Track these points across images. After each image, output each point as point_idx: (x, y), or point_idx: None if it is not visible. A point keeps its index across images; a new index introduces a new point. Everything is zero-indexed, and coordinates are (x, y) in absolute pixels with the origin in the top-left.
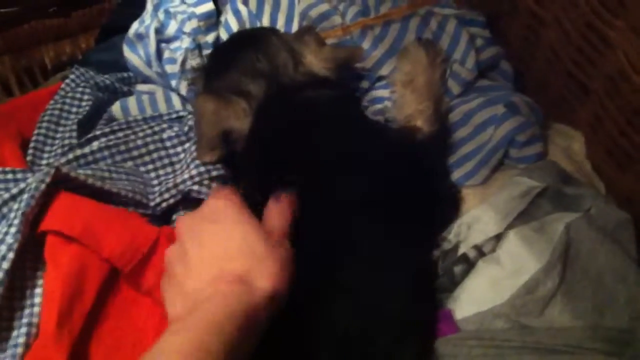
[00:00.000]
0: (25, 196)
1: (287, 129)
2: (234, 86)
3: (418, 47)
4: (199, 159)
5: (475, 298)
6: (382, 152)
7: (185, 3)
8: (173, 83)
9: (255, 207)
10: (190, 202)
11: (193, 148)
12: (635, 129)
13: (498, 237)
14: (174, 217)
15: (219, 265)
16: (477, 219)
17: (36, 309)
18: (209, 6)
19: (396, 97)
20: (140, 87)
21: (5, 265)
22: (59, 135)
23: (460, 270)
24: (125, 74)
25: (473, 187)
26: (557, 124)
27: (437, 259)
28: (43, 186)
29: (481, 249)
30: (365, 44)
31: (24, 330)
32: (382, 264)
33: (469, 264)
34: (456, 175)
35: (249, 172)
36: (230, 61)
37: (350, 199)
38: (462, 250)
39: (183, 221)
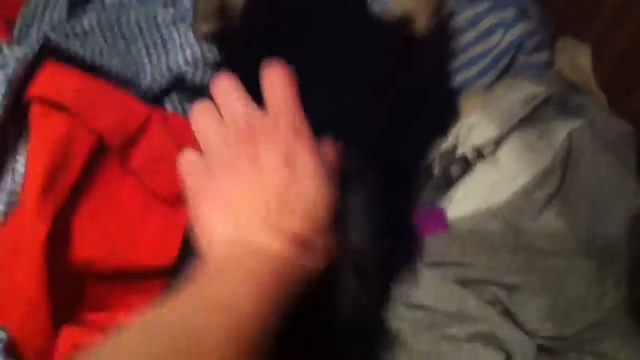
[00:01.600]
0: (11, 63)
1: (280, 9)
2: None
3: None
4: (194, 30)
5: (471, 198)
6: (376, 47)
7: None
8: None
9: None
10: (183, 87)
11: (188, 29)
12: None
13: (499, 141)
14: (167, 100)
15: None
16: (478, 122)
17: (18, 178)
18: None
19: None
20: None
21: None
22: (47, 12)
23: (457, 171)
24: None
25: (477, 91)
26: (565, 36)
27: (434, 159)
28: (31, 54)
29: (481, 151)
30: None
31: (4, 198)
32: None
33: (467, 165)
34: (460, 79)
35: (241, 52)
36: None
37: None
38: (460, 151)
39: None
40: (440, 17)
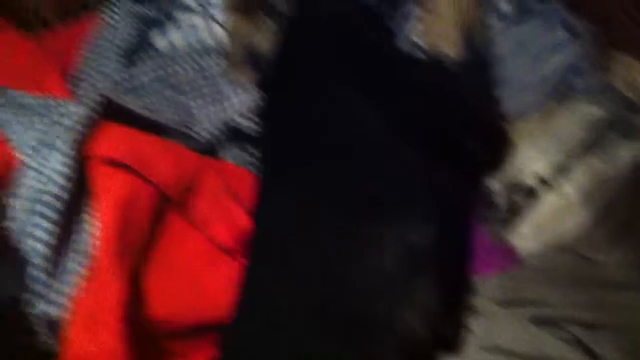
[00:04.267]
0: (73, 124)
1: (306, 51)
2: (261, 5)
3: None
4: (228, 74)
5: (539, 230)
6: (401, 85)
7: None
8: (215, 13)
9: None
10: (237, 136)
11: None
12: None
13: (562, 168)
14: (222, 150)
15: None
16: (540, 149)
17: (87, 237)
18: None
19: (422, 24)
20: (182, 16)
21: (57, 190)
22: (103, 67)
23: (522, 201)
24: (163, 3)
25: (536, 117)
26: (618, 54)
27: (497, 190)
28: (92, 113)
29: (545, 180)
30: None
31: (77, 258)
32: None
33: (532, 194)
34: (515, 106)
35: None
36: None
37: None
38: (523, 180)
39: None
40: (474, 41)
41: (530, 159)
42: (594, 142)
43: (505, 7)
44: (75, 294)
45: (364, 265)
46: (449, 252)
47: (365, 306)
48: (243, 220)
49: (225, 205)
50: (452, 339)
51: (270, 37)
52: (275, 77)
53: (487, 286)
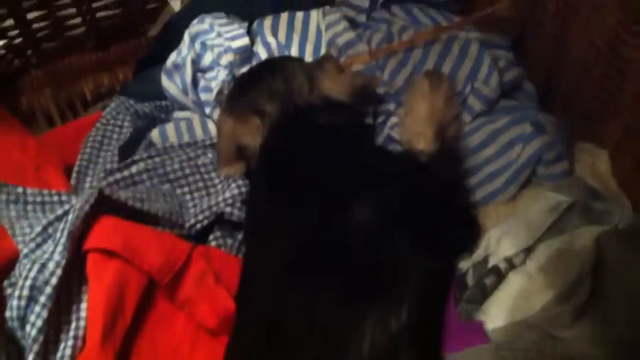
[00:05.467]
0: (70, 217)
1: (293, 149)
2: (251, 106)
3: (421, 78)
4: (218, 172)
5: (506, 309)
6: (382, 177)
7: (221, 37)
8: (208, 110)
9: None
10: (223, 223)
11: None
12: None
13: (528, 250)
14: (211, 237)
15: None
16: (506, 232)
17: (82, 323)
18: (245, 41)
19: (400, 124)
20: (177, 114)
21: (54, 281)
22: (100, 160)
23: (491, 282)
24: (162, 103)
25: (502, 202)
26: (582, 142)
27: (467, 271)
28: (87, 207)
29: (512, 261)
30: (389, 70)
31: (70, 342)
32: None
33: (500, 276)
34: (484, 192)
35: (259, 187)
36: (250, 84)
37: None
38: (492, 262)
39: None
40: (445, 137)
41: (497, 242)
42: (557, 225)
43: (478, 106)
44: None
45: (345, 351)
46: (425, 333)
47: None
48: (227, 302)
49: (210, 288)
50: None
51: (259, 135)
52: (260, 169)
53: None
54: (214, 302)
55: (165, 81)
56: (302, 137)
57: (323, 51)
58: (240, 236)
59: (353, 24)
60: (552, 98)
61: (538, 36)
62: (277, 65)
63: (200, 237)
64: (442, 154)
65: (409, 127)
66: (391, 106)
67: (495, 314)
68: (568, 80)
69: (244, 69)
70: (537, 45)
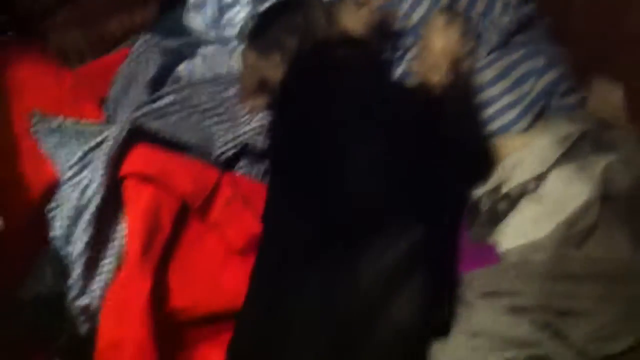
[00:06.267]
0: (107, 144)
1: (311, 82)
2: (272, 41)
3: (438, 14)
4: (242, 104)
5: (517, 233)
6: (399, 109)
7: None
8: (231, 46)
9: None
10: (248, 153)
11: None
12: None
13: (540, 177)
14: (236, 166)
15: None
16: (520, 161)
17: (121, 241)
18: None
19: (416, 58)
20: (203, 50)
21: (95, 203)
22: (131, 93)
23: (503, 208)
24: (189, 39)
25: (517, 133)
26: (595, 76)
27: (481, 198)
28: (123, 135)
29: (524, 188)
30: (406, 6)
31: (111, 260)
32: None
33: (512, 202)
34: (499, 123)
35: (280, 119)
36: (272, 20)
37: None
38: (505, 189)
39: None
40: (459, 71)
41: (511, 171)
42: (568, 154)
43: (493, 40)
44: (107, 289)
45: (367, 265)
46: (438, 253)
47: (368, 300)
48: (254, 225)
49: (238, 212)
50: (440, 327)
51: (280, 69)
52: (282, 100)
53: (470, 280)
54: (242, 225)
55: (190, 18)
56: (321, 71)
57: None
58: (264, 165)
59: None
60: (566, 33)
61: None
62: (298, 2)
63: (227, 165)
64: (456, 86)
65: (425, 61)
66: (409, 41)
67: (507, 237)
68: (579, 16)
69: (266, 5)
70: None
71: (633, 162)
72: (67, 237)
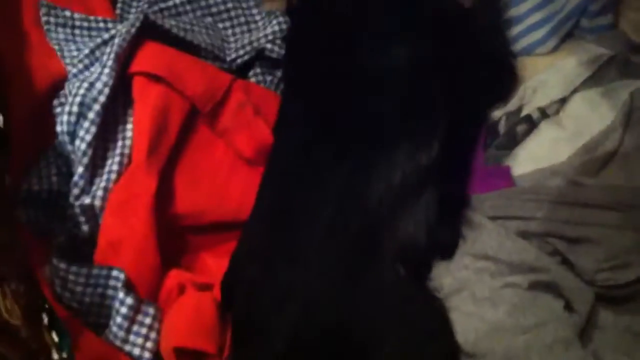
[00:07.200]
0: (116, 40)
1: None
2: None
3: None
4: (260, 6)
5: (534, 156)
6: (421, 21)
7: None
8: None
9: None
10: (263, 59)
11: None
12: None
13: (563, 101)
14: (250, 73)
15: None
16: (543, 83)
17: (128, 142)
18: None
19: None
20: None
21: (102, 99)
22: None
23: (522, 130)
24: None
25: (542, 54)
26: None
27: (500, 119)
28: (133, 30)
29: (545, 111)
30: None
31: (117, 159)
32: None
33: (532, 125)
34: (525, 43)
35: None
36: None
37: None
38: (525, 111)
39: None
40: None
41: (533, 93)
42: (594, 77)
43: None
44: (112, 187)
45: (376, 181)
46: (450, 171)
47: (376, 216)
48: (264, 133)
49: (249, 119)
50: (447, 247)
51: None
52: (303, 3)
53: (481, 202)
54: (252, 133)
55: None
56: None
57: None
58: (279, 73)
59: None
60: None
61: None
62: None
63: (240, 71)
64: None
65: None
66: None
67: (524, 161)
68: None
69: None
70: None
71: None
72: (73, 134)
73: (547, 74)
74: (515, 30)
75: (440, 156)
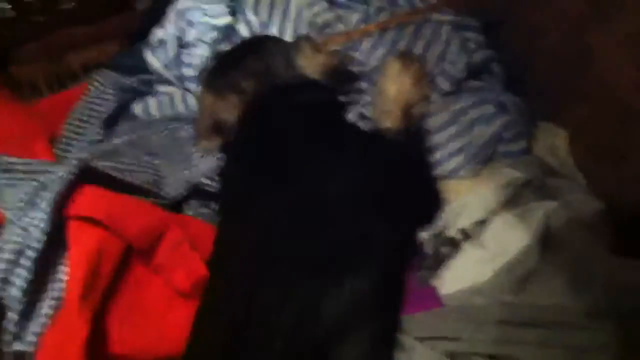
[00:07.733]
0: (55, 186)
1: (269, 125)
2: (230, 83)
3: (393, 60)
4: (197, 145)
5: (459, 276)
6: (353, 153)
7: (206, 15)
8: (189, 86)
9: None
10: (199, 194)
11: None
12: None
13: (483, 222)
14: (186, 206)
15: None
16: (465, 206)
17: (61, 285)
18: (227, 19)
19: (371, 103)
20: (160, 88)
21: (37, 246)
22: (85, 131)
23: (446, 251)
24: (146, 77)
25: (462, 178)
26: (543, 122)
27: (426, 241)
28: (72, 176)
29: (467, 233)
30: (363, 50)
31: (51, 303)
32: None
33: (455, 246)
34: (447, 168)
35: (235, 160)
36: (230, 62)
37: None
38: (449, 233)
39: None
40: (411, 116)
41: (456, 215)
42: (512, 200)
43: (445, 86)
44: (44, 333)
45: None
46: (385, 296)
47: (323, 339)
48: (200, 268)
49: (185, 255)
50: None
51: (236, 112)
52: (237, 142)
53: (410, 323)
54: (189, 268)
55: (149, 56)
56: (277, 113)
57: (303, 30)
58: (214, 206)
59: (332, 3)
60: (522, 80)
61: (511, 21)
62: (256, 44)
63: (177, 205)
64: (408, 132)
65: (379, 106)
66: (364, 85)
67: (449, 281)
68: (537, 64)
69: (226, 46)
70: (511, 32)
71: (575, 209)
72: (5, 280)
73: (468, 198)
74: (439, 156)
75: (377, 286)
